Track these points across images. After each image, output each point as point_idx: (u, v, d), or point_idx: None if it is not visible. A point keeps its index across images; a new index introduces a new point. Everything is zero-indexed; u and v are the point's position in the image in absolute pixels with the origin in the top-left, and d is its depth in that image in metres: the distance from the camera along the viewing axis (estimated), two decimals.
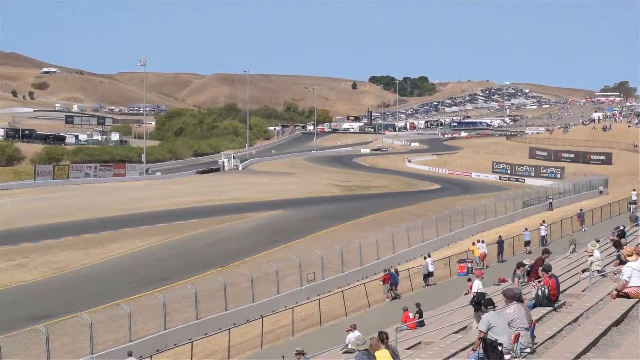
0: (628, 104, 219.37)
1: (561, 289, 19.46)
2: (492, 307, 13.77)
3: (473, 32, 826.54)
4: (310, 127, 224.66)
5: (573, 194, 76.61)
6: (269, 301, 39.49)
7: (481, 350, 13.35)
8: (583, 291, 20.18)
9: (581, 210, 59.37)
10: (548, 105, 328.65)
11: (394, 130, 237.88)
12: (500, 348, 13.23)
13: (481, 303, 14.41)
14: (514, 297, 14.37)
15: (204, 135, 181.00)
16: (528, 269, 21.29)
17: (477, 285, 26.11)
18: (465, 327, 20.51)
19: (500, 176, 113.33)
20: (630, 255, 17.72)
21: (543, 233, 51.49)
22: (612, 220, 53.95)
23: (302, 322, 36.53)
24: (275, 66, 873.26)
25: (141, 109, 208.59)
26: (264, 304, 38.82)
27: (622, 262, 19.01)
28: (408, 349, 19.57)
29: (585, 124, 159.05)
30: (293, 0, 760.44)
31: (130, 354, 27.39)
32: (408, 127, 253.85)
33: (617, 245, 25.00)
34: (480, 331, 13.36)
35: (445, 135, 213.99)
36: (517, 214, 65.10)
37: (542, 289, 18.44)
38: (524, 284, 24.12)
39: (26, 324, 34.72)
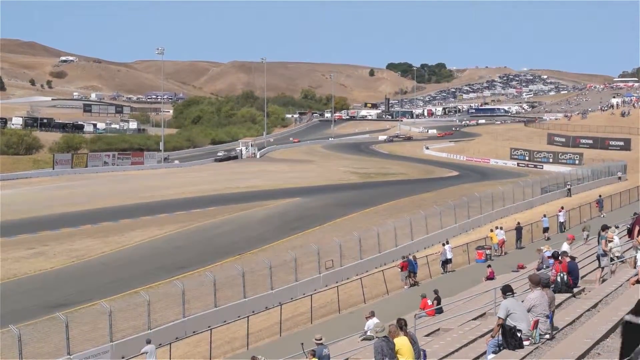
0: None
1: (580, 275, 19.40)
2: (510, 293, 13.71)
3: (491, 18, 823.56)
4: (327, 115, 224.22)
5: (591, 180, 76.12)
6: (288, 289, 39.48)
7: (500, 337, 13.33)
8: (602, 277, 20.11)
9: (600, 196, 58.98)
10: (566, 91, 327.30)
11: (412, 117, 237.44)
12: (519, 334, 13.20)
13: None
14: (539, 282, 14.28)
15: (222, 123, 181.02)
16: (629, 226, 20.71)
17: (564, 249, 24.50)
18: (484, 313, 20.47)
19: (518, 162, 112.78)
20: None
21: (562, 219, 51.29)
22: (631, 206, 53.69)
23: (320, 310, 36.50)
24: (292, 53, 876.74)
25: (159, 97, 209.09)
26: (282, 292, 38.82)
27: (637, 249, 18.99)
28: (427, 335, 19.55)
29: (603, 110, 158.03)
30: None
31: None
32: (426, 114, 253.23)
33: None
34: (499, 317, 13.32)
35: (463, 122, 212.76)
36: (536, 200, 64.76)
37: (561, 275, 18.35)
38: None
39: (46, 312, 34.86)
